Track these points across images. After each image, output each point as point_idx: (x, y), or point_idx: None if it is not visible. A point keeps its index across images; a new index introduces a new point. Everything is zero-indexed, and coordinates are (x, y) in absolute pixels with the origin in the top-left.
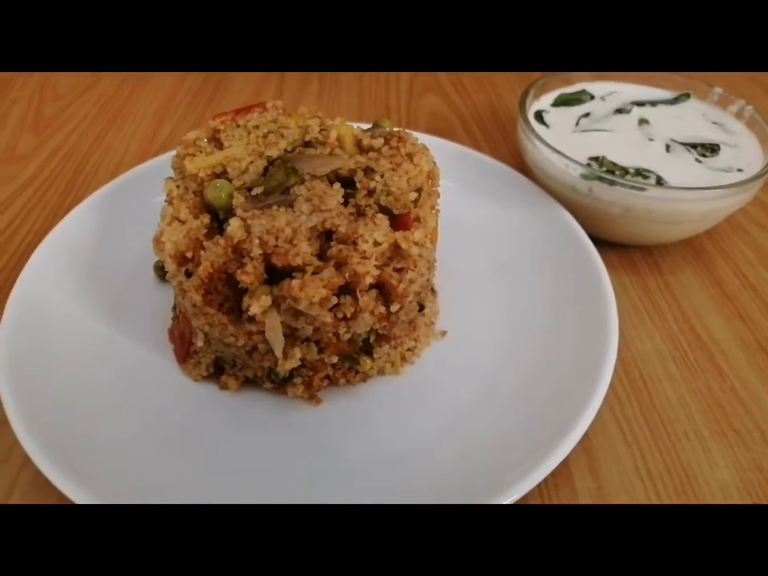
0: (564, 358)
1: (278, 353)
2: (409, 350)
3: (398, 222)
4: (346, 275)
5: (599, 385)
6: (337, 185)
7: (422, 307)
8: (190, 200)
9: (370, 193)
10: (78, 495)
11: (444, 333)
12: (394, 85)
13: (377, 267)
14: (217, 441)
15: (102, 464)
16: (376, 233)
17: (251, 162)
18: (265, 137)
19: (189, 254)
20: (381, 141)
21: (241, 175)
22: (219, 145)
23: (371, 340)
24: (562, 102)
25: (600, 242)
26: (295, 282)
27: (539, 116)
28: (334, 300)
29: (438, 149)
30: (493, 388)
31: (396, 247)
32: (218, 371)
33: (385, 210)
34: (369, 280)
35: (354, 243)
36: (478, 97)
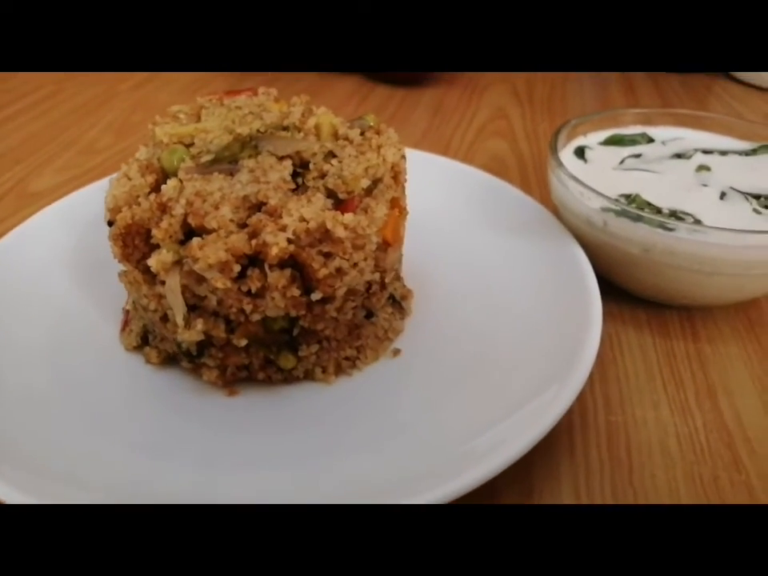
0: (517, 399)
1: (178, 319)
2: (347, 358)
3: (341, 207)
4: (253, 243)
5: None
6: (287, 162)
7: (370, 314)
8: (144, 161)
9: (323, 176)
10: None
11: (397, 351)
12: (466, 124)
13: (296, 246)
14: (116, 412)
15: None
16: (305, 209)
17: (218, 136)
18: (244, 117)
19: (125, 210)
20: (357, 132)
21: (203, 146)
22: (198, 120)
23: (294, 334)
24: (614, 141)
25: (631, 298)
26: (196, 241)
27: (580, 151)
28: (237, 268)
29: (460, 172)
30: (425, 422)
31: (327, 230)
32: (145, 341)
33: (332, 195)
34: (275, 251)
35: (280, 216)
36: (547, 145)
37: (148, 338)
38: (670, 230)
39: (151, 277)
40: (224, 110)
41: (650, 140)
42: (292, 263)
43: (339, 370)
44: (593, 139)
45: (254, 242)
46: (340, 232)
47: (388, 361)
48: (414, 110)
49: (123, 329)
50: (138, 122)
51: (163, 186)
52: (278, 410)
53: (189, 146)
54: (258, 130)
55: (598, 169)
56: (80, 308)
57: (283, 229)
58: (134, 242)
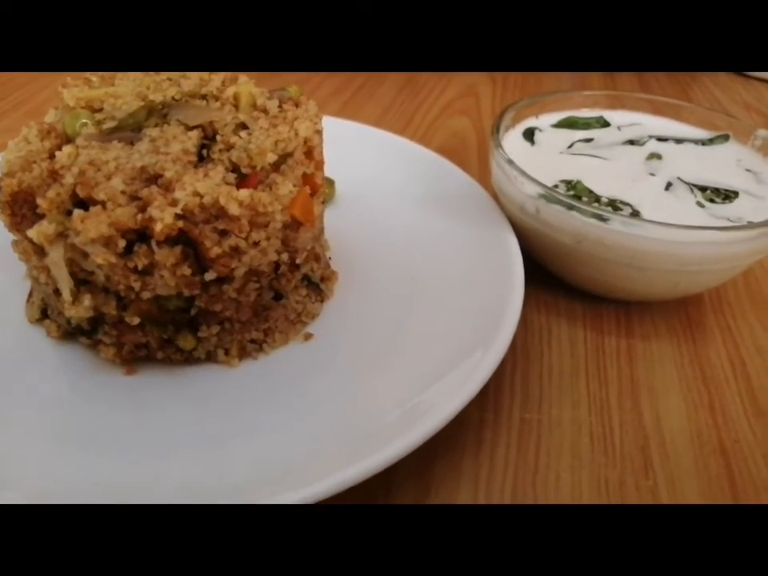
0: (422, 385)
1: (65, 293)
2: (253, 341)
3: (243, 183)
4: (139, 218)
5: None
6: (193, 133)
7: (279, 296)
8: (46, 125)
9: (230, 148)
10: None
11: (309, 336)
12: (432, 100)
13: (188, 221)
14: (11, 390)
15: None
16: (200, 183)
17: (128, 103)
18: (160, 83)
19: (20, 175)
20: (275, 103)
21: (111, 112)
22: (112, 84)
23: (193, 314)
24: (567, 124)
25: (570, 290)
26: (78, 213)
27: (530, 133)
28: (123, 244)
29: (409, 151)
30: (327, 408)
31: (223, 207)
32: (45, 315)
33: (237, 169)
34: (160, 227)
35: (174, 191)
36: None
37: (47, 310)
38: (603, 220)
39: (40, 248)
40: (140, 75)
41: (606, 124)
42: (185, 240)
43: (244, 353)
44: (545, 121)
45: (140, 216)
46: (234, 209)
47: (298, 345)
48: (382, 85)
49: (28, 299)
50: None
51: (57, 153)
52: (175, 392)
53: (97, 111)
54: (172, 98)
55: (544, 152)
56: None
57: (174, 203)
58: (21, 211)
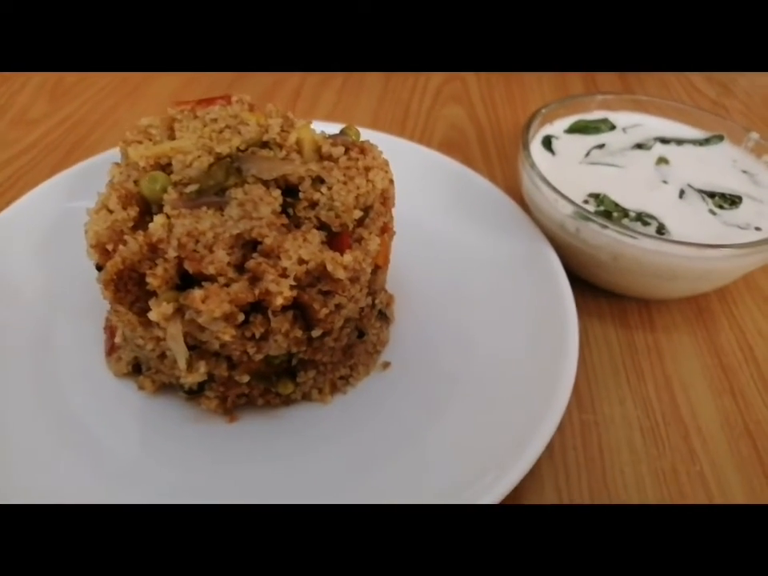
0: (508, 406)
1: (181, 364)
2: (342, 377)
3: (335, 241)
4: (256, 292)
5: (530, 447)
6: (276, 192)
7: (361, 334)
8: (123, 189)
9: (313, 205)
10: None
11: (387, 364)
12: (420, 91)
13: (297, 288)
14: (113, 438)
15: None
16: (303, 250)
17: (198, 157)
18: (221, 132)
19: (110, 246)
20: (341, 150)
21: (183, 169)
22: (172, 135)
23: (293, 363)
24: (578, 129)
25: (593, 288)
26: (198, 293)
27: (547, 142)
28: (242, 317)
29: (434, 163)
30: (424, 432)
31: (324, 268)
32: (137, 370)
33: (324, 226)
34: (280, 301)
35: (278, 258)
36: (504, 111)
37: (140, 367)
38: (634, 238)
39: (147, 319)
40: (198, 124)
41: (612, 126)
42: (294, 304)
43: (334, 389)
44: (558, 127)
45: (256, 291)
46: (340, 274)
47: (379, 374)
48: (365, 79)
49: (110, 353)
50: (74, 83)
51: (151, 225)
52: (281, 433)
53: (166, 166)
54: (237, 148)
55: (565, 163)
56: (57, 325)
57: (284, 274)
58: (126, 287)
